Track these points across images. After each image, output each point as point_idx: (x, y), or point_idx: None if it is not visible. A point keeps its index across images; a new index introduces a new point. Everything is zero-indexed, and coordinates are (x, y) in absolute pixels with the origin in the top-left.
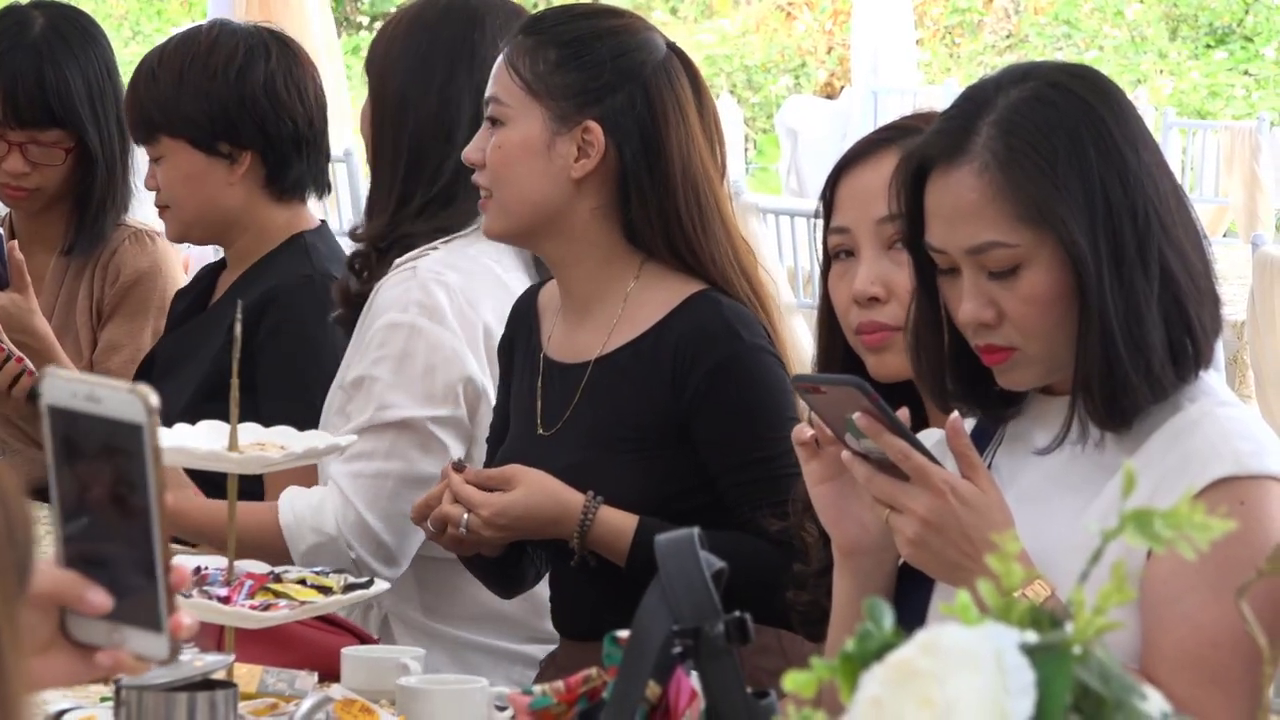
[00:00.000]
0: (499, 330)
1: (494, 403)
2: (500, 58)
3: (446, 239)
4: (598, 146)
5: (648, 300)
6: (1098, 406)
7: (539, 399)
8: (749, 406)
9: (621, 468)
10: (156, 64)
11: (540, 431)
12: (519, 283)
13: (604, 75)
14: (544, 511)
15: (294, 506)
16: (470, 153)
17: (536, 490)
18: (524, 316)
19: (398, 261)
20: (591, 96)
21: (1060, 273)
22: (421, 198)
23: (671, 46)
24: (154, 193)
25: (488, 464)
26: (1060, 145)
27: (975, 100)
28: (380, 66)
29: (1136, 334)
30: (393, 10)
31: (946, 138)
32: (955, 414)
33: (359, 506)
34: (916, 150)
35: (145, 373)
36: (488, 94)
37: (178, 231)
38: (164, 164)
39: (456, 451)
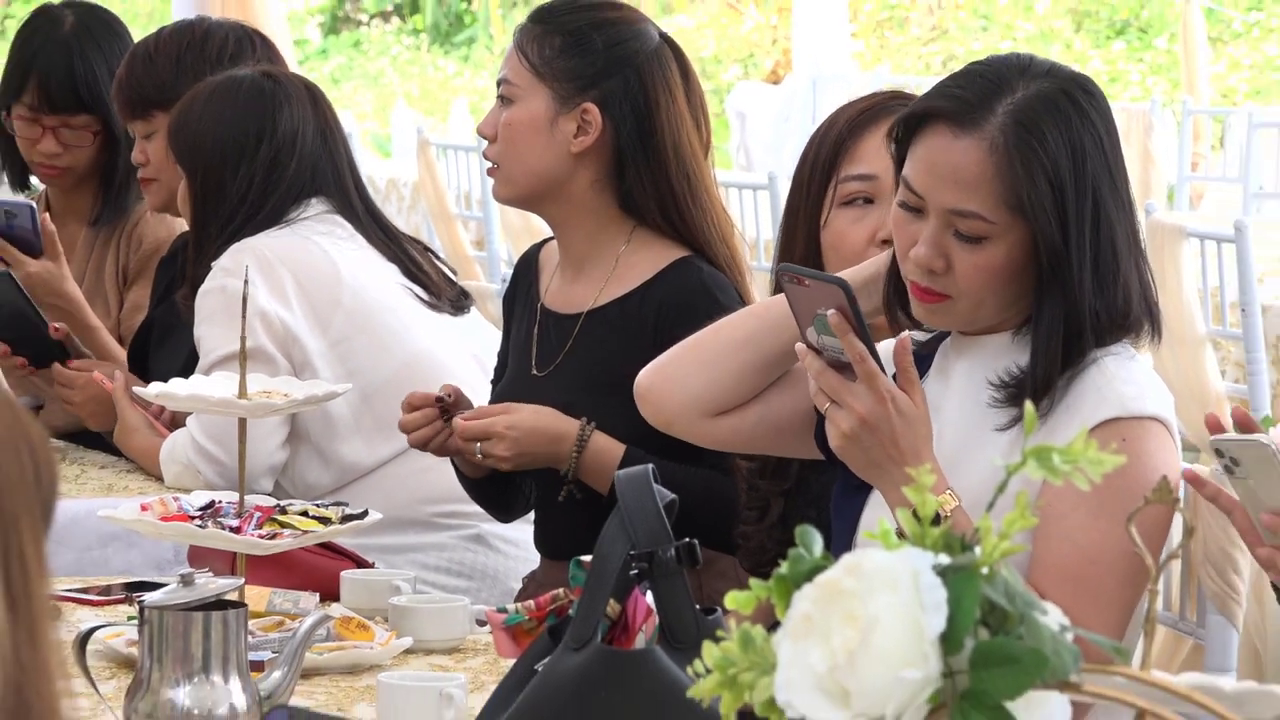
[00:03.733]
0: (317, 283)
1: (299, 334)
2: (511, 43)
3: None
4: (595, 125)
5: (637, 262)
6: (1040, 374)
7: (534, 343)
8: None
9: (606, 409)
10: (153, 49)
11: (534, 372)
12: (355, 249)
13: (602, 62)
14: (547, 428)
15: (172, 441)
16: (484, 127)
17: (540, 411)
18: (525, 271)
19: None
20: (590, 80)
21: (1018, 255)
22: (242, 220)
23: (664, 36)
24: (141, 166)
25: (491, 402)
26: (1062, 156)
27: (996, 80)
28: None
29: (1097, 317)
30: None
31: (963, 104)
32: (906, 334)
33: (196, 434)
34: (928, 101)
35: (144, 337)
36: (500, 75)
37: (162, 201)
38: (155, 139)
39: (274, 380)
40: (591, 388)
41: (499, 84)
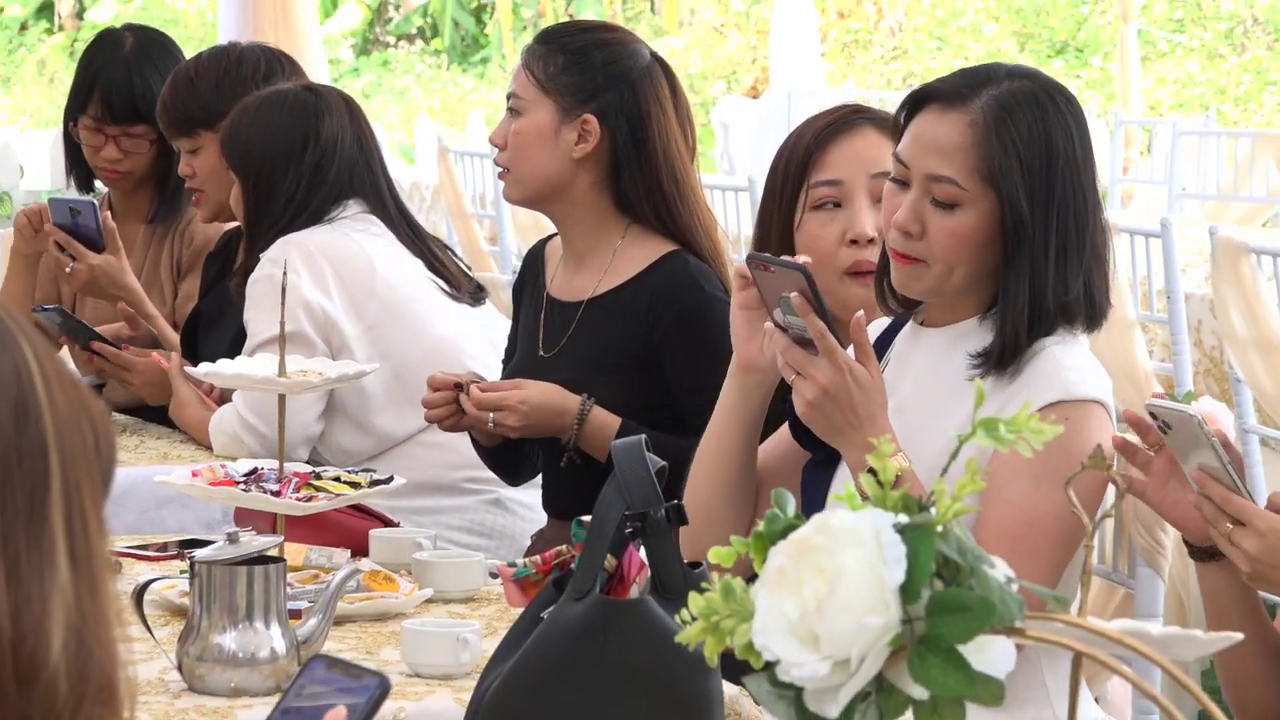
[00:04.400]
0: (354, 275)
1: (337, 320)
2: (519, 61)
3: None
4: (594, 134)
5: (631, 255)
6: (1013, 341)
7: (541, 328)
8: (705, 345)
9: (605, 386)
10: (194, 74)
11: (541, 354)
12: (388, 245)
13: (600, 78)
14: (553, 403)
15: (220, 414)
16: (495, 136)
17: (546, 388)
18: (533, 264)
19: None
20: (590, 94)
21: (986, 223)
22: (289, 218)
23: (654, 55)
24: (189, 178)
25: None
26: (1035, 141)
27: (985, 74)
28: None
29: (1058, 295)
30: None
31: (954, 87)
32: (860, 313)
33: (240, 409)
34: (929, 87)
35: (194, 323)
36: (509, 90)
37: (211, 213)
38: (200, 155)
39: (311, 360)
40: (592, 367)
41: (509, 97)
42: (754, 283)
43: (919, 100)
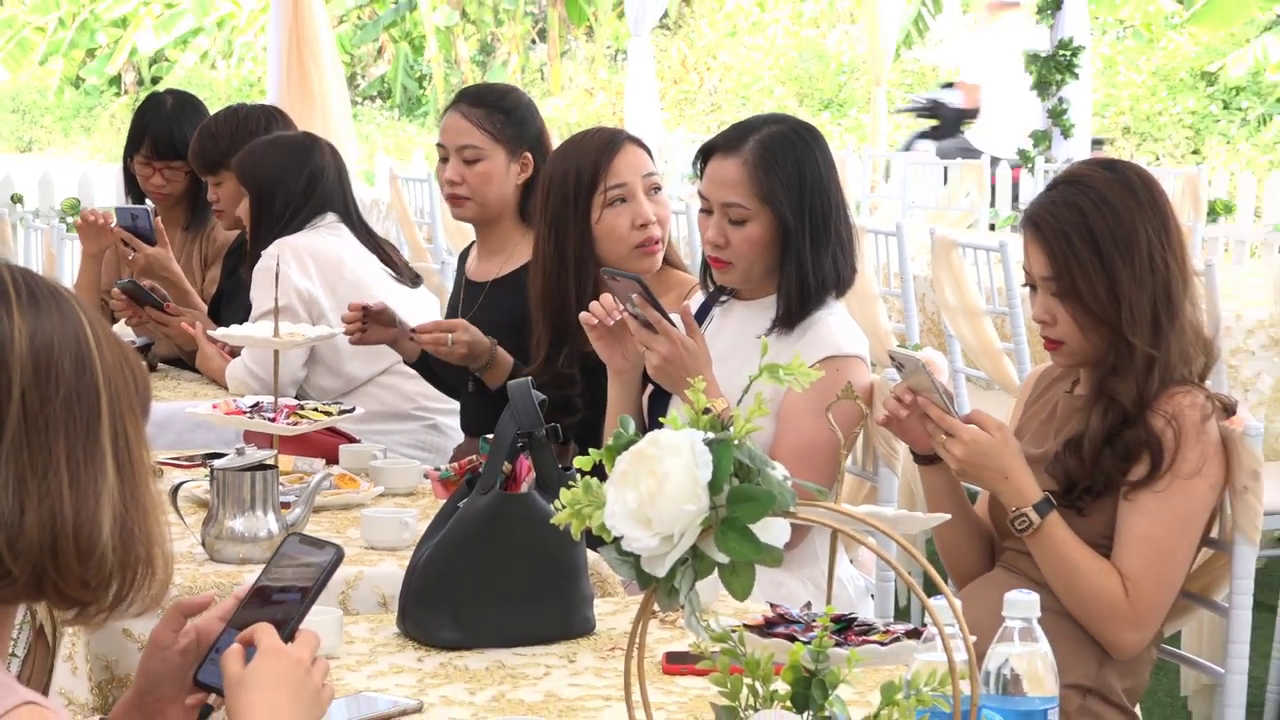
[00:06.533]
0: (329, 266)
1: (318, 298)
2: (464, 118)
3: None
4: (530, 166)
5: (523, 248)
6: (791, 310)
7: (461, 301)
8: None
9: (502, 339)
10: (214, 129)
11: (461, 319)
12: (353, 245)
13: (529, 126)
14: (479, 339)
15: (233, 364)
16: (453, 175)
17: (475, 329)
18: (464, 256)
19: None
20: (524, 139)
21: (768, 233)
22: (284, 226)
23: None
24: (214, 202)
25: None
26: (790, 168)
27: (749, 125)
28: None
29: (817, 274)
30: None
31: (728, 139)
32: (686, 302)
33: (247, 360)
34: (712, 141)
35: (217, 301)
36: (461, 142)
37: (229, 224)
38: (222, 187)
39: (297, 326)
40: (494, 329)
41: (463, 148)
42: (608, 288)
43: (707, 152)
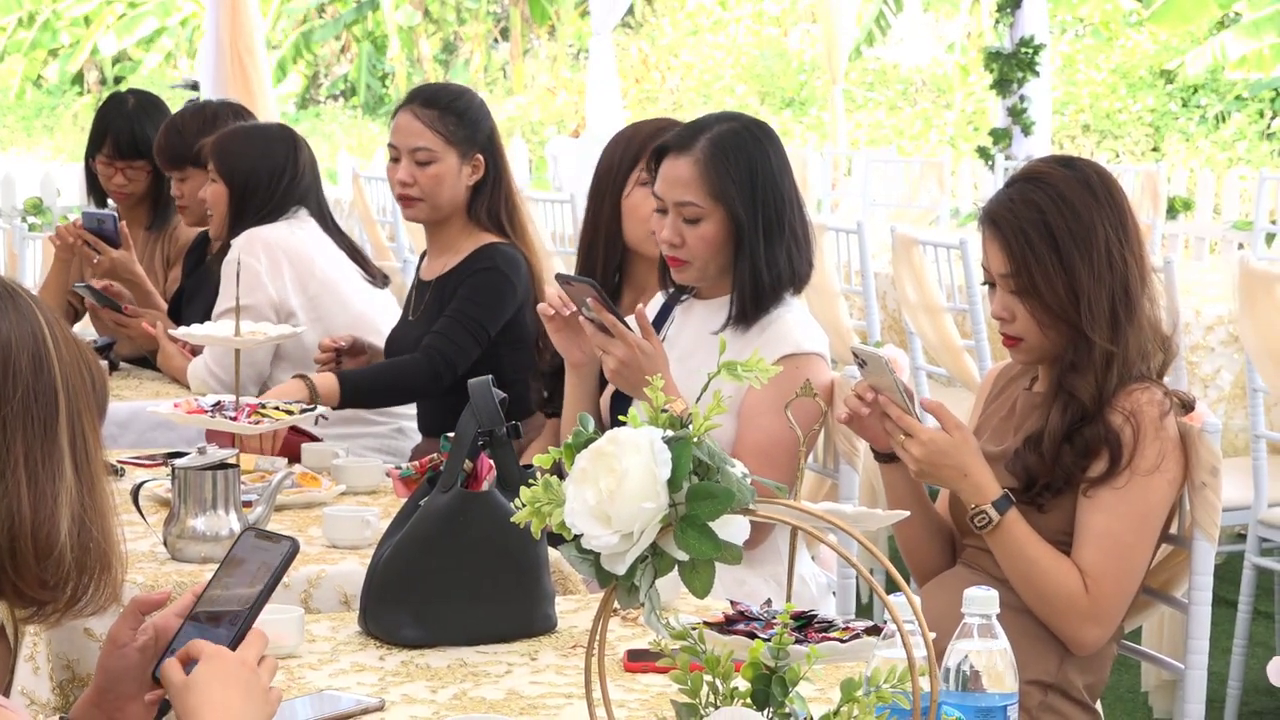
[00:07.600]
0: (300, 263)
1: (287, 296)
2: (417, 119)
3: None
4: (481, 168)
5: (467, 246)
6: (745, 307)
7: (412, 298)
8: (473, 291)
9: None
10: (180, 125)
11: (409, 318)
12: (323, 240)
13: (481, 127)
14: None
15: (195, 363)
16: (404, 176)
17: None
18: (421, 257)
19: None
20: (476, 142)
21: (720, 230)
22: (261, 217)
23: None
24: (178, 198)
25: (390, 335)
26: (743, 162)
27: (701, 125)
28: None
29: (772, 270)
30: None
31: (681, 139)
32: (640, 306)
33: (208, 360)
34: (664, 141)
35: (178, 299)
36: (415, 144)
37: (194, 220)
38: (187, 183)
39: (258, 325)
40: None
41: (416, 150)
42: (565, 293)
43: (661, 152)
